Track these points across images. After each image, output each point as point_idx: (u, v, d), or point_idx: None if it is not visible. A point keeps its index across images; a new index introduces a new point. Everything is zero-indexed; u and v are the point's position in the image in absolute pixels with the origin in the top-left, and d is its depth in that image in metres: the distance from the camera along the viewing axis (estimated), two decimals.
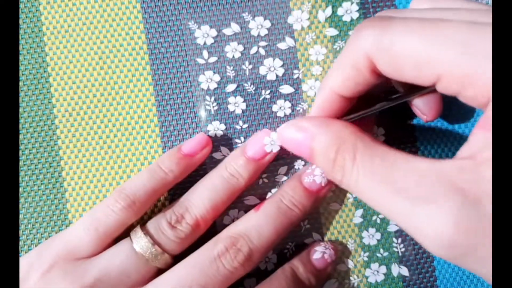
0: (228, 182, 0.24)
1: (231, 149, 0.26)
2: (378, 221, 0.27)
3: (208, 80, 0.27)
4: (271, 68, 0.27)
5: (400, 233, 0.27)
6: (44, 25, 0.26)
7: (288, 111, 0.27)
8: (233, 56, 0.27)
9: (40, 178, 0.26)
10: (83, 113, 0.26)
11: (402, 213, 0.16)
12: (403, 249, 0.27)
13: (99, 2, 0.26)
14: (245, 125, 0.27)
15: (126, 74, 0.27)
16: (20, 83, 0.26)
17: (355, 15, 0.27)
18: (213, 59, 0.27)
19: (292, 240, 0.27)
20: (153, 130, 0.26)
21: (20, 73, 0.26)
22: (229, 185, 0.24)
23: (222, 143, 0.26)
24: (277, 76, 0.27)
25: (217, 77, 0.27)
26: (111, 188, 0.26)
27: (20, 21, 0.26)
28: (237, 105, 0.27)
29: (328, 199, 0.27)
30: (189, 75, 0.27)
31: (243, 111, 0.27)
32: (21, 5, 0.26)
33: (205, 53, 0.27)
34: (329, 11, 0.27)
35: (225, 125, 0.26)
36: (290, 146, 0.22)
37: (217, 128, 0.26)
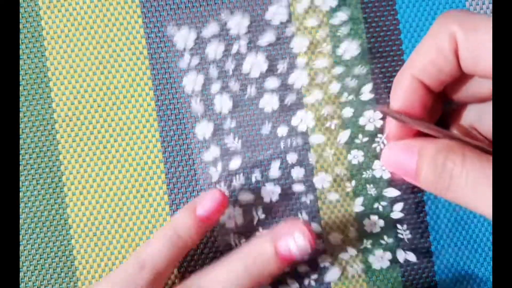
0: (176, 245, 0.22)
1: (221, 149, 0.25)
2: (381, 208, 0.25)
3: (192, 82, 0.26)
4: (254, 64, 0.26)
5: (406, 221, 0.26)
6: (44, 29, 0.26)
7: (276, 105, 0.26)
8: (215, 57, 0.26)
9: (40, 183, 0.26)
10: (83, 118, 0.26)
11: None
12: (409, 236, 0.26)
13: (99, 7, 0.26)
14: (233, 124, 0.26)
15: (126, 79, 0.26)
16: (20, 88, 0.25)
17: (334, 3, 0.26)
18: (195, 61, 0.26)
19: None
20: (153, 135, 0.26)
21: (20, 77, 0.26)
22: (176, 249, 0.22)
23: (212, 144, 0.26)
24: (261, 71, 0.26)
25: (201, 78, 0.26)
26: (111, 193, 0.26)
27: (20, 26, 0.25)
28: (223, 104, 0.26)
29: (325, 189, 0.26)
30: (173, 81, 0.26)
31: (229, 111, 0.26)
32: (21, 10, 0.26)
33: (186, 57, 0.26)
34: (306, 2, 0.26)
35: (214, 125, 0.25)
36: (396, 167, 0.21)
37: (205, 128, 0.25)
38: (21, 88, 0.26)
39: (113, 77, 0.26)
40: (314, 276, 0.26)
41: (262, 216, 0.25)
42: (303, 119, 0.25)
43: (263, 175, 0.26)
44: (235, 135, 0.26)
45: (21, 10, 0.26)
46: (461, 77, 0.21)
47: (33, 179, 0.26)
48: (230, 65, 0.26)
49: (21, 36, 0.26)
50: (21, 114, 0.26)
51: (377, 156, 0.25)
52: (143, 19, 0.26)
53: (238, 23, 0.26)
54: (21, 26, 0.26)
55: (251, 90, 0.26)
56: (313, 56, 0.26)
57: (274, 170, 0.25)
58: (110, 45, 0.26)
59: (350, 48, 0.26)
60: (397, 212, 0.25)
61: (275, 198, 0.25)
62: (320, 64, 0.26)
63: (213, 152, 0.26)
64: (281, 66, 0.26)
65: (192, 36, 0.26)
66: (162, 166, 0.26)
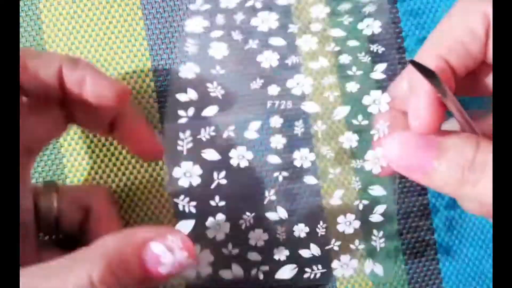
0: None
1: (199, 93, 0.22)
2: (361, 207, 0.22)
3: (195, 25, 0.23)
4: (264, 20, 0.23)
5: (384, 226, 0.22)
6: (46, 33, 0.25)
7: (275, 63, 0.23)
8: (227, 6, 0.23)
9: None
10: None
11: None
12: (383, 245, 0.22)
13: (100, 10, 0.25)
14: (222, 71, 0.23)
15: (129, 81, 0.25)
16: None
17: None
18: (205, 7, 0.23)
19: (251, 210, 0.22)
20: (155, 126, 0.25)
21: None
22: None
23: (190, 86, 0.23)
24: (269, 28, 0.22)
25: (205, 23, 0.23)
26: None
27: (21, 29, 0.25)
28: (218, 50, 0.23)
29: (303, 172, 0.22)
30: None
31: (224, 57, 0.23)
32: (22, 13, 0.25)
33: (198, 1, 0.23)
34: None
35: (200, 68, 0.23)
36: (402, 160, 0.18)
37: (190, 69, 0.23)
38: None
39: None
40: (265, 268, 0.21)
41: (223, 181, 0.22)
42: (300, 83, 0.22)
43: (239, 134, 0.22)
44: (219, 82, 0.22)
45: (22, 13, 0.25)
46: (479, 68, 0.19)
47: (35, 180, 0.24)
48: (239, 16, 0.23)
49: (22, 39, 0.25)
50: None
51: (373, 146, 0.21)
52: (145, 21, 0.25)
53: None
54: (22, 29, 0.25)
55: (253, 43, 0.23)
56: (329, 24, 0.23)
57: (252, 132, 0.22)
58: (111, 48, 0.25)
59: (373, 25, 0.23)
60: (377, 215, 0.21)
61: (243, 164, 0.21)
62: (336, 34, 0.23)
63: (189, 94, 0.22)
64: (293, 27, 0.23)
65: None
66: None
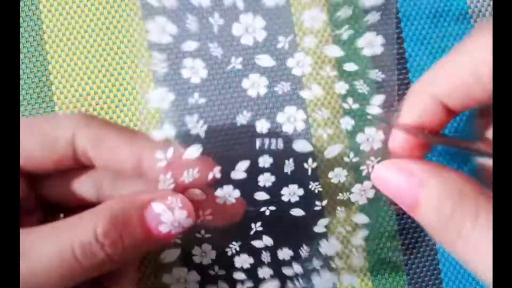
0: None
1: (178, 128, 0.19)
2: (344, 233, 0.23)
3: (160, 30, 0.19)
4: (249, 28, 0.19)
5: (368, 248, 0.24)
6: (46, 33, 0.24)
7: (263, 91, 0.20)
8: (200, 4, 0.18)
9: None
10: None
11: None
12: (362, 261, 0.24)
13: (100, 10, 0.25)
14: (202, 100, 0.19)
15: (128, 82, 0.24)
16: (23, 92, 0.24)
17: None
18: (171, 2, 0.18)
19: (237, 240, 0.22)
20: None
21: (22, 82, 0.24)
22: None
23: (167, 119, 0.19)
24: (255, 40, 0.19)
25: (173, 29, 0.19)
26: None
27: (21, 30, 0.24)
28: (195, 70, 0.19)
29: (290, 205, 0.22)
30: None
31: (202, 80, 0.19)
32: (22, 13, 0.24)
33: None
34: None
35: (175, 95, 0.19)
36: (387, 190, 0.18)
37: (163, 98, 0.19)
38: (23, 92, 0.24)
39: (115, 79, 0.25)
40: (249, 284, 0.23)
41: (209, 217, 0.21)
42: (291, 117, 0.20)
43: (224, 175, 0.20)
44: (200, 116, 0.19)
45: (22, 13, 0.25)
46: None
47: None
48: (217, 20, 0.18)
49: (22, 39, 0.25)
50: (22, 108, 0.25)
51: (361, 180, 0.21)
52: (145, 21, 0.22)
53: None
54: (22, 29, 0.25)
55: (236, 62, 0.19)
56: (325, 37, 0.19)
57: (239, 172, 0.20)
58: (111, 48, 0.25)
59: (375, 43, 0.20)
60: (359, 239, 0.23)
61: (230, 202, 0.21)
62: (331, 53, 0.20)
63: (166, 131, 0.19)
64: (283, 41, 0.19)
65: None
66: None
